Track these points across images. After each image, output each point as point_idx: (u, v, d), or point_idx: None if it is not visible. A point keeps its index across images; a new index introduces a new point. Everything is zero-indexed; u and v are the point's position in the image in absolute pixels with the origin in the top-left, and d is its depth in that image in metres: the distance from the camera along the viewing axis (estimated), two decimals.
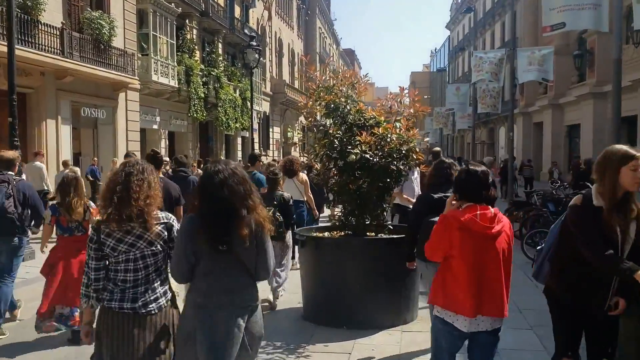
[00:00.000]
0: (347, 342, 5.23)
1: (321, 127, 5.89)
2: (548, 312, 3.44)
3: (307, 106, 5.95)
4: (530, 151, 33.90)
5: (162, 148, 21.51)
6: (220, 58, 26.93)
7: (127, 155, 9.54)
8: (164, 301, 2.87)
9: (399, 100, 5.65)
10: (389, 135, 5.66)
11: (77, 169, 11.68)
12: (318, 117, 6.07)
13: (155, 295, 2.84)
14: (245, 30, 28.55)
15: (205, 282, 2.72)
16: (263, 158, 15.96)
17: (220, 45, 27.59)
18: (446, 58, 63.22)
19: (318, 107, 6.00)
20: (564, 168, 32.89)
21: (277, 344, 5.19)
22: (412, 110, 5.73)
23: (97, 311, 2.90)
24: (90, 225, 4.31)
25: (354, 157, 5.52)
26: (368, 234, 6.08)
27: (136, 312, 2.78)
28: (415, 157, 5.75)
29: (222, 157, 25.34)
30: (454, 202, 3.09)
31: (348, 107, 5.87)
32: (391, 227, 6.07)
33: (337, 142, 5.77)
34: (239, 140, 30.29)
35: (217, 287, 2.71)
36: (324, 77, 6.07)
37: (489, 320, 3.00)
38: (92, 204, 5.21)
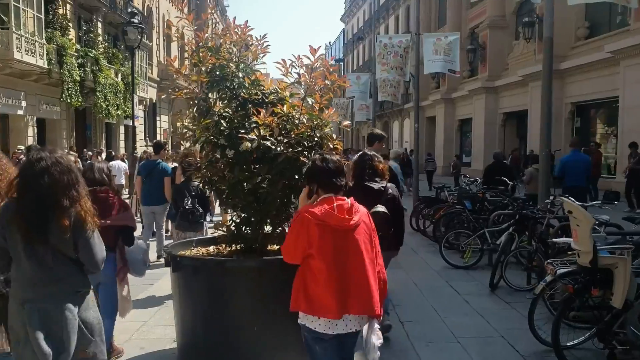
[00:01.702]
0: None
1: (202, 102, 4.26)
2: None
3: (181, 71, 4.25)
4: (424, 145, 34.22)
5: (30, 137, 19.09)
6: (100, 38, 24.14)
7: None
8: None
9: (310, 67, 4.15)
10: (297, 116, 4.18)
11: None
12: (198, 89, 4.43)
13: None
14: (129, 10, 25.71)
15: (25, 273, 2.66)
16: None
17: (99, 24, 24.73)
18: (341, 51, 63.12)
19: (197, 75, 4.36)
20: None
21: None
22: (327, 82, 4.25)
23: None
24: None
25: (249, 144, 3.97)
26: (269, 247, 4.59)
27: None
28: (331, 145, 4.32)
29: (103, 148, 23.06)
30: (324, 199, 2.86)
31: (241, 76, 4.29)
32: None
33: (225, 124, 4.18)
34: (122, 129, 27.58)
35: (40, 277, 2.65)
36: (206, 35, 4.42)
37: (357, 319, 2.85)
38: None
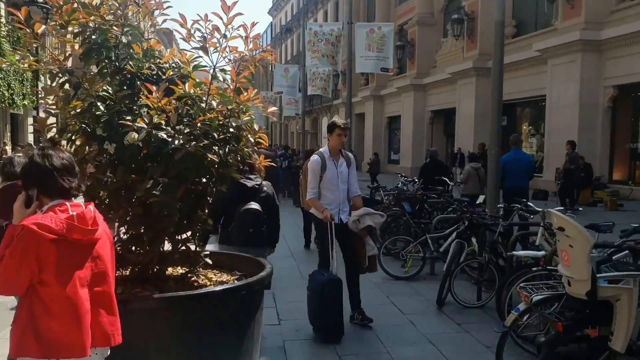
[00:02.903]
0: None
1: (70, 76, 3.05)
2: None
3: (36, 30, 3.00)
4: (354, 142, 33.81)
5: None
6: (3, 20, 21.57)
7: None
8: None
9: (225, 32, 3.03)
10: (205, 99, 3.09)
11: None
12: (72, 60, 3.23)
13: None
14: None
15: None
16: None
17: (2, 4, 22.09)
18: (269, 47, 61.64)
19: (67, 37, 3.15)
20: (383, 159, 33.37)
21: None
22: (245, 52, 3.16)
23: None
24: None
25: (137, 136, 2.83)
26: (170, 271, 3.49)
27: None
28: (252, 140, 3.25)
29: (7, 140, 20.77)
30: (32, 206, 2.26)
31: (125, 41, 3.12)
32: (218, 262, 3.51)
33: (102, 108, 3.00)
34: (30, 120, 24.99)
35: None
36: None
37: (102, 351, 2.36)
38: None
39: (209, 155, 2.84)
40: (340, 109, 37.43)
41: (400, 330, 5.09)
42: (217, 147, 2.98)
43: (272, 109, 3.36)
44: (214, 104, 3.02)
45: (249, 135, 3.24)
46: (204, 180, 3.13)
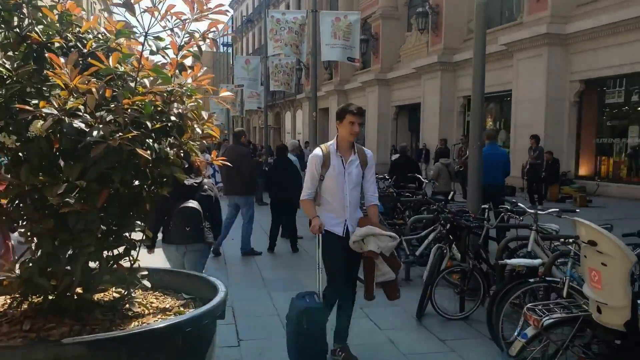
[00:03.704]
0: None
1: None
2: None
3: None
4: (318, 137, 33.26)
5: None
6: None
7: None
8: None
9: None
10: (134, 75, 2.38)
11: None
12: None
13: None
14: None
15: None
16: None
17: None
18: (230, 39, 60.38)
19: None
20: None
21: None
22: (188, 15, 2.44)
23: None
24: None
25: (40, 124, 2.11)
26: (99, 296, 2.78)
27: None
28: (199, 129, 2.55)
29: None
30: None
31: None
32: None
33: None
34: None
35: None
36: None
37: None
38: None
39: (139, 151, 2.13)
40: (303, 104, 36.78)
41: (379, 350, 4.48)
42: (151, 140, 2.27)
43: (226, 93, 2.66)
44: (147, 82, 2.30)
45: (195, 126, 2.54)
46: (137, 182, 2.41)
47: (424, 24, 22.34)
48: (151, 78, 2.32)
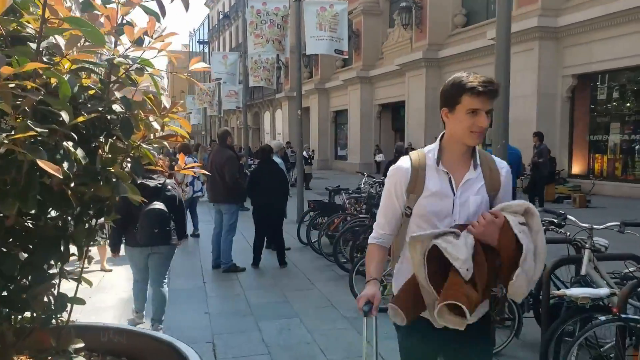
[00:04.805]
0: None
1: None
2: None
3: None
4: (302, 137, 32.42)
5: None
6: None
7: None
8: None
9: None
10: (36, 30, 1.47)
11: None
12: None
13: None
14: None
15: None
16: None
17: None
18: (206, 37, 59.12)
19: None
20: (330, 155, 32.10)
21: None
22: None
23: None
24: None
25: None
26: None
27: None
28: (157, 125, 1.65)
29: None
30: None
31: None
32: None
33: None
34: None
35: None
36: None
37: None
38: None
39: (41, 163, 1.21)
40: (283, 103, 35.86)
41: None
42: (71, 144, 1.36)
43: (200, 64, 1.73)
44: (61, 43, 1.39)
45: (151, 119, 1.63)
46: (54, 213, 1.49)
47: (408, 20, 21.63)
48: (68, 36, 1.41)
